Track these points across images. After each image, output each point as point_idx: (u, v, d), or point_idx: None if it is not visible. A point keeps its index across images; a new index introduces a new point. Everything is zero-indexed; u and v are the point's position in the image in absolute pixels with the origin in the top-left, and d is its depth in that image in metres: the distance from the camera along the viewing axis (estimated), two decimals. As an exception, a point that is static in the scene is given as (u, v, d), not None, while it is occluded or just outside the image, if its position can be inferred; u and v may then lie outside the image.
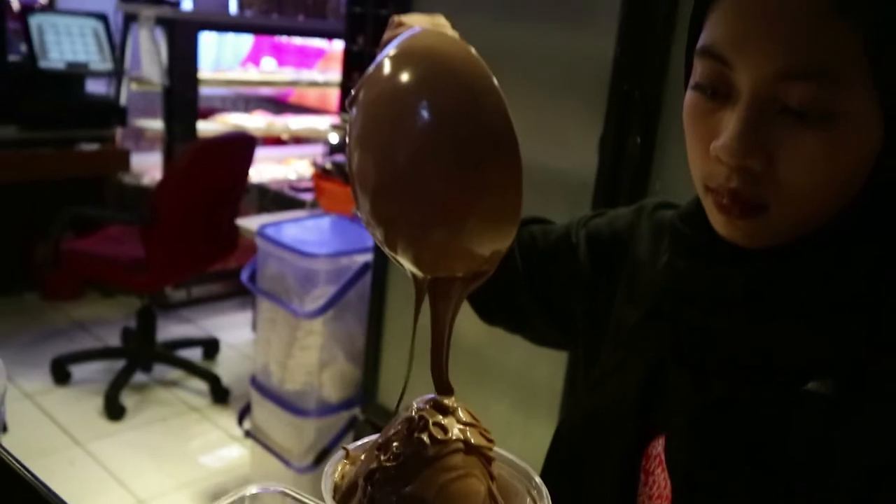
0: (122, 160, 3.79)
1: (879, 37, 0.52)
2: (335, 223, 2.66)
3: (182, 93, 3.72)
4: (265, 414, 2.54)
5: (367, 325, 2.32)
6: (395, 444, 0.50)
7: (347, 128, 0.52)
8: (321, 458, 2.40)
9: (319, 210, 2.97)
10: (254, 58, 5.33)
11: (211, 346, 3.56)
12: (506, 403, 2.01)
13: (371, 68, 0.51)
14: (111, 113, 3.76)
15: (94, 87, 3.84)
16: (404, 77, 0.49)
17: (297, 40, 5.17)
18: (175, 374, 3.36)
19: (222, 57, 5.28)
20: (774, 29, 0.54)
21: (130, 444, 2.87)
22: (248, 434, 2.71)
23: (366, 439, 0.54)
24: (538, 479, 0.54)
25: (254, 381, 2.57)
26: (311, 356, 2.37)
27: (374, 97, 0.50)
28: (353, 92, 0.51)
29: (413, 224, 0.50)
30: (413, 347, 0.55)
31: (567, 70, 1.81)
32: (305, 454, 2.40)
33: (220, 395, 3.19)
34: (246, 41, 5.41)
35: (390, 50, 0.50)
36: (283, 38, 5.22)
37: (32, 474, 0.45)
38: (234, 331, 3.83)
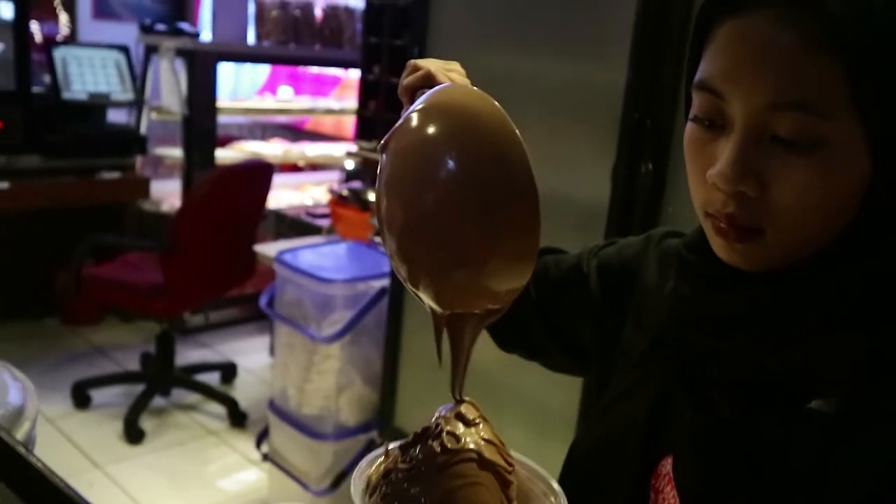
0: (142, 188, 3.86)
1: (859, 71, 0.55)
2: (352, 249, 2.71)
3: (201, 122, 3.80)
4: (283, 438, 2.56)
5: (383, 349, 2.35)
6: (413, 448, 0.54)
7: (378, 172, 0.56)
8: (338, 481, 2.42)
9: (336, 236, 3.02)
10: (271, 86, 5.42)
11: (228, 371, 3.60)
12: (521, 429, 2.03)
13: (403, 118, 0.55)
14: (132, 142, 3.84)
15: (116, 116, 3.93)
16: (435, 127, 0.54)
17: (314, 69, 5.25)
18: (193, 398, 3.40)
19: (240, 86, 5.37)
20: (764, 63, 0.57)
21: (149, 467, 2.90)
22: (265, 457, 2.74)
23: (402, 441, 0.58)
24: (558, 487, 0.57)
25: (272, 405, 2.60)
26: (328, 380, 2.41)
27: (405, 145, 0.54)
28: (384, 139, 0.56)
29: (436, 264, 0.54)
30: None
31: (580, 99, 1.85)
32: (323, 477, 2.42)
33: (237, 418, 3.22)
34: (263, 70, 5.51)
35: (422, 102, 0.55)
36: (300, 68, 5.31)
37: (73, 489, 0.48)
38: (251, 355, 3.87)
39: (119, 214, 4.06)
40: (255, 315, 4.07)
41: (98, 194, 3.76)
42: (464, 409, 0.56)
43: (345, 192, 3.03)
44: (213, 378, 3.54)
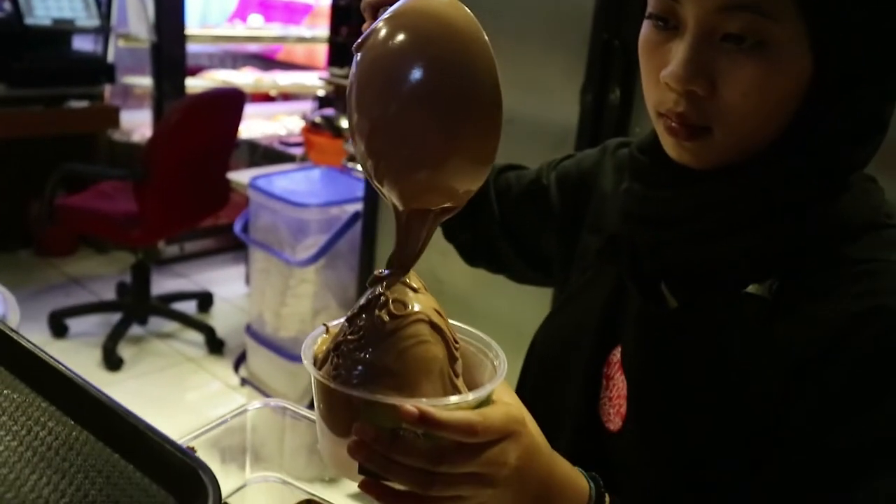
0: (112, 117, 3.81)
1: None
2: (325, 175, 2.72)
3: (170, 49, 3.73)
4: (260, 361, 2.62)
5: (358, 272, 2.39)
6: (359, 318, 0.57)
7: (350, 72, 0.58)
8: (315, 402, 2.49)
9: (309, 164, 3.02)
10: (241, 14, 5.31)
11: (205, 300, 3.63)
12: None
13: (378, 20, 0.57)
14: (99, 70, 3.76)
15: (82, 43, 3.84)
16: (408, 30, 0.56)
17: (285, -4, 5.15)
18: (170, 326, 3.43)
19: (209, 13, 5.25)
20: None
21: (130, 393, 2.95)
22: (244, 382, 2.80)
23: (342, 319, 0.62)
24: (496, 345, 0.62)
25: (249, 330, 2.64)
26: (304, 304, 2.45)
27: (378, 45, 0.56)
28: (359, 40, 0.58)
29: (400, 162, 0.57)
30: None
31: (549, 21, 1.85)
32: (300, 398, 2.49)
33: (215, 345, 3.26)
34: (233, -3, 5.38)
35: (395, 7, 0.57)
36: (270, -6, 5.20)
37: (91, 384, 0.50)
38: (227, 285, 3.90)
39: (90, 144, 4.01)
40: (230, 245, 4.08)
41: (67, 124, 3.70)
42: (409, 278, 0.60)
43: (318, 119, 3.02)
44: (189, 307, 3.57)
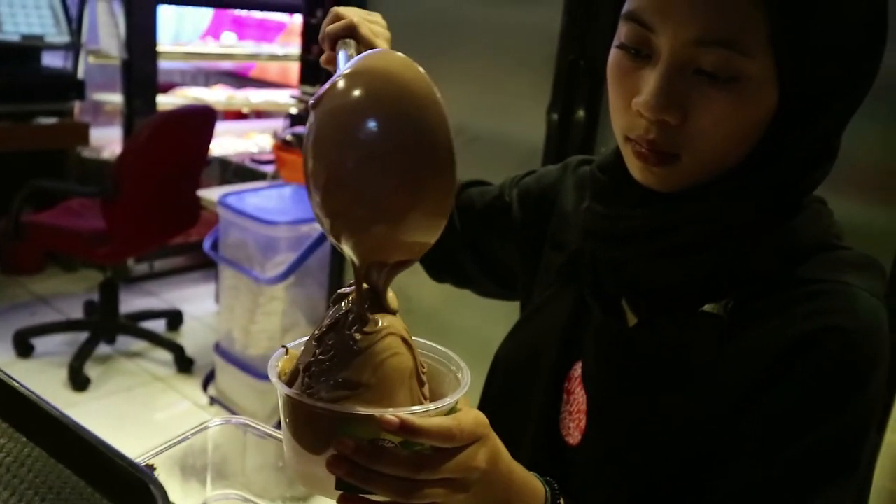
0: (82, 134, 3.77)
1: (778, 15, 0.61)
2: (296, 192, 2.72)
3: (141, 66, 3.71)
4: (229, 380, 2.60)
5: (327, 289, 2.39)
6: (328, 337, 0.58)
7: (307, 128, 0.59)
8: (285, 420, 2.47)
9: (280, 181, 3.02)
10: (214, 31, 5.30)
11: (174, 318, 3.60)
12: (463, 361, 2.10)
13: (334, 78, 0.59)
14: (69, 86, 3.73)
15: (51, 60, 3.81)
16: (364, 90, 0.57)
17: (258, 14, 5.15)
18: (139, 345, 3.39)
19: (182, 30, 5.24)
20: (694, 1, 0.62)
21: (96, 413, 2.91)
22: (213, 400, 2.78)
23: (303, 339, 0.62)
24: (457, 357, 0.63)
25: (217, 348, 2.63)
26: (273, 322, 2.44)
27: (335, 104, 0.58)
28: (315, 96, 0.59)
29: (356, 219, 0.58)
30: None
31: (516, 42, 1.88)
32: (269, 417, 2.47)
33: (184, 364, 3.23)
34: (206, 15, 5.38)
35: (354, 65, 0.59)
36: (244, 12, 5.20)
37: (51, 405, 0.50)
38: (197, 303, 3.87)
39: (59, 161, 3.97)
40: (200, 263, 4.05)
41: (36, 140, 3.66)
42: (383, 297, 0.61)
43: (289, 137, 3.02)
44: (159, 325, 3.54)
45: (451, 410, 0.58)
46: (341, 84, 0.58)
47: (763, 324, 0.66)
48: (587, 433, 0.75)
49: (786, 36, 0.61)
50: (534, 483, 0.66)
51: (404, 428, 0.54)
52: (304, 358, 0.60)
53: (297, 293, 2.46)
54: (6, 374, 0.50)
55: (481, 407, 0.90)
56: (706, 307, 0.69)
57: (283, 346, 0.64)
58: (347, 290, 0.62)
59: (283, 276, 2.34)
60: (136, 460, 0.78)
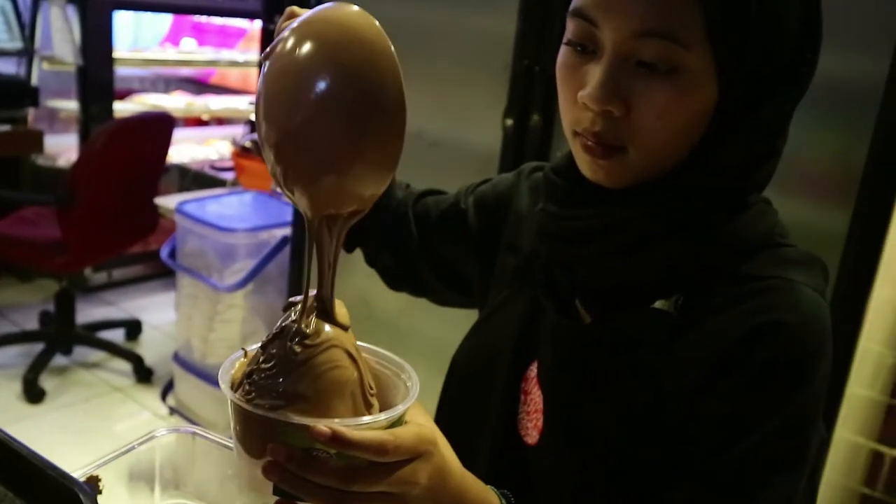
0: (36, 141, 3.70)
1: (713, 10, 0.62)
2: (255, 199, 2.70)
3: (97, 73, 3.65)
4: (188, 389, 2.57)
5: (286, 297, 2.37)
6: (272, 346, 0.58)
7: (259, 81, 0.59)
8: (245, 429, 2.44)
9: (240, 188, 2.99)
10: (173, 38, 5.25)
11: (133, 328, 3.54)
12: (423, 369, 2.09)
13: (287, 29, 0.58)
14: (22, 93, 3.65)
15: (4, 66, 3.74)
16: (315, 38, 0.57)
17: (218, 20, 5.11)
18: (97, 356, 3.33)
19: (140, 37, 5.18)
20: None
21: (52, 425, 2.85)
22: (172, 410, 2.74)
23: (260, 341, 0.62)
24: (409, 367, 0.64)
25: (176, 357, 2.60)
26: (232, 329, 2.42)
27: (286, 53, 0.57)
28: (267, 49, 0.59)
29: (308, 167, 0.58)
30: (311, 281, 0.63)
31: (472, 47, 1.89)
32: (229, 426, 2.44)
33: (143, 374, 3.18)
34: (165, 21, 5.32)
35: (306, 16, 0.59)
36: (204, 18, 5.16)
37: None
38: (156, 312, 3.81)
39: (13, 169, 3.89)
40: (160, 272, 4.00)
41: (-12, 148, 3.59)
42: (325, 302, 0.61)
43: (248, 144, 3.00)
44: (117, 335, 3.48)
45: (397, 422, 0.58)
46: (290, 35, 0.58)
47: (711, 320, 0.68)
48: (544, 432, 0.76)
49: (722, 29, 0.63)
50: (489, 499, 0.66)
51: (336, 439, 0.54)
52: (251, 364, 0.60)
53: (256, 300, 2.44)
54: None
55: (439, 411, 0.90)
56: (657, 304, 0.70)
57: (243, 349, 0.64)
58: (298, 298, 0.61)
59: (242, 284, 2.32)
60: (82, 471, 0.77)
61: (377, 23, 0.58)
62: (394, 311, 2.04)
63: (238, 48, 4.97)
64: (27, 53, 3.65)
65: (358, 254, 1.01)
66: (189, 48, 4.84)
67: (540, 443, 0.76)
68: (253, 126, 3.55)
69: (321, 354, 0.57)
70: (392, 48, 0.58)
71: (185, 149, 4.09)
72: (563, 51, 0.70)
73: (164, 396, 2.87)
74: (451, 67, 1.92)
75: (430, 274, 0.99)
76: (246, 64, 4.61)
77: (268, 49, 0.59)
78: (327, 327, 0.59)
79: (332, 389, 0.57)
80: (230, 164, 3.56)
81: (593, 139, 0.68)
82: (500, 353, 0.82)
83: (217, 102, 4.52)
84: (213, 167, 3.84)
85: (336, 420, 0.55)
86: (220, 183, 3.55)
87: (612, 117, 0.66)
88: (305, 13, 0.60)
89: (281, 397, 0.56)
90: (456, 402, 0.88)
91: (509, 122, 1.78)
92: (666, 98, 0.64)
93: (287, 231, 2.36)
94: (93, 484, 0.76)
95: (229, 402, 0.59)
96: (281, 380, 0.57)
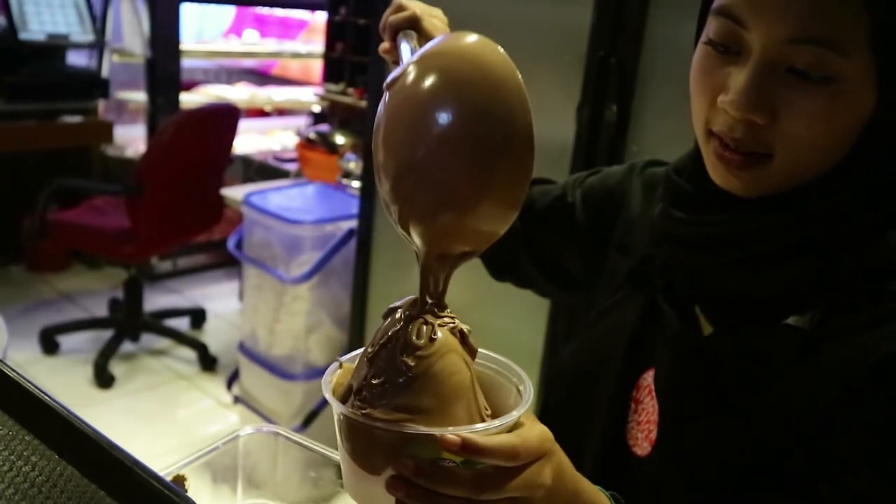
0: (106, 132, 3.79)
1: (879, 13, 0.57)
2: (319, 191, 2.70)
3: (165, 65, 3.72)
4: (253, 379, 2.59)
5: (352, 290, 2.37)
6: (380, 361, 0.55)
7: (379, 111, 0.57)
8: (309, 420, 2.46)
9: (304, 179, 3.00)
10: (236, 29, 5.31)
11: (198, 316, 3.60)
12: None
13: (413, 57, 0.56)
14: (93, 85, 3.75)
15: (76, 59, 3.83)
16: (440, 71, 0.54)
17: (280, 11, 5.15)
18: (163, 343, 3.40)
19: (205, 28, 5.25)
20: None
21: (121, 411, 2.92)
22: (237, 399, 2.77)
23: (357, 351, 0.60)
24: (519, 369, 0.61)
25: (241, 347, 2.62)
26: (297, 321, 2.43)
27: (409, 85, 0.55)
28: (390, 77, 0.57)
29: (427, 205, 0.56)
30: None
31: (545, 38, 1.85)
32: (294, 417, 2.46)
33: (208, 363, 3.24)
34: (228, 12, 5.39)
35: (433, 46, 0.56)
36: (266, 10, 5.21)
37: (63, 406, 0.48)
38: (220, 301, 3.87)
39: (83, 160, 3.99)
40: (224, 261, 4.06)
41: (60, 138, 3.68)
42: (424, 308, 0.58)
43: (312, 136, 3.01)
44: (182, 324, 3.55)
45: (514, 426, 0.56)
46: (415, 66, 0.56)
47: (851, 340, 0.62)
48: (658, 444, 0.72)
49: (887, 34, 0.58)
50: (600, 499, 0.63)
51: (466, 447, 0.51)
52: (357, 377, 0.57)
53: (321, 293, 2.44)
54: (39, 388, 0.48)
55: (541, 415, 0.88)
56: (790, 319, 0.66)
57: (338, 360, 0.61)
58: (399, 303, 0.59)
59: (308, 276, 2.33)
60: (167, 470, 0.77)
61: (506, 54, 0.55)
62: (463, 306, 2.01)
63: (300, 39, 5.00)
64: (98, 46, 3.73)
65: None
66: (252, 40, 4.89)
67: (651, 455, 0.73)
68: (316, 118, 3.57)
69: (437, 363, 0.55)
70: (522, 84, 0.55)
71: (248, 140, 4.14)
72: (702, 50, 0.66)
73: (229, 385, 2.91)
74: (524, 58, 1.88)
75: (533, 267, 0.96)
76: (308, 55, 4.63)
77: (390, 79, 0.56)
78: (439, 332, 0.56)
79: (452, 398, 0.55)
80: (293, 155, 3.58)
81: (732, 146, 0.63)
82: (610, 358, 0.78)
83: (279, 94, 4.55)
84: (277, 158, 3.87)
85: (463, 427, 0.53)
86: (284, 174, 3.58)
87: (755, 125, 0.62)
88: (440, 38, 0.58)
89: (402, 410, 0.54)
90: (560, 407, 0.85)
91: (584, 114, 1.74)
92: (818, 108, 0.60)
93: (353, 223, 2.36)
94: (179, 484, 0.76)
95: (339, 417, 0.56)
96: (399, 395, 0.54)
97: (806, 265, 0.65)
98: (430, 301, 0.59)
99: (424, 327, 0.56)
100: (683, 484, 0.69)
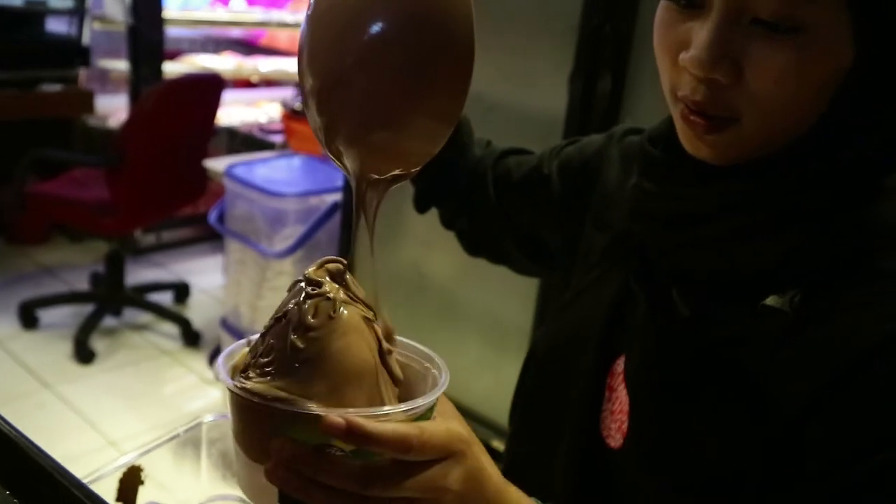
0: (87, 102, 3.69)
1: None
2: (305, 163, 2.64)
3: (147, 32, 3.62)
4: (236, 356, 2.54)
5: (337, 265, 2.32)
6: (270, 339, 0.50)
7: (301, 26, 0.51)
8: (293, 398, 2.41)
9: (289, 151, 2.93)
10: (222, -2, 5.19)
11: (181, 291, 3.54)
12: (477, 341, 2.03)
13: None
14: (74, 53, 3.65)
15: (55, 25, 3.72)
16: None
17: (267, -20, 5.04)
18: (145, 318, 3.34)
19: (189, -4, 5.13)
20: None
21: (102, 386, 2.86)
22: (219, 376, 2.72)
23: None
24: (438, 359, 0.55)
25: (224, 323, 2.57)
26: (280, 297, 2.37)
27: None
28: None
29: (356, 122, 0.50)
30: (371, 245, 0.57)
31: (538, 7, 1.78)
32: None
33: (191, 338, 3.18)
34: (214, -20, 5.26)
35: None
36: (253, -22, 5.09)
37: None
38: (205, 275, 3.81)
39: (64, 130, 3.90)
40: (209, 235, 3.99)
41: (40, 108, 3.59)
42: (321, 279, 0.53)
43: (298, 106, 2.93)
44: (165, 298, 3.48)
45: (424, 417, 0.50)
46: None
47: (834, 321, 0.57)
48: (629, 437, 0.67)
49: None
50: None
51: (351, 431, 0.45)
52: (252, 353, 0.52)
53: (305, 267, 2.38)
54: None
55: (516, 396, 0.82)
56: (768, 300, 0.60)
57: (247, 339, 0.56)
58: (303, 276, 0.53)
59: (292, 250, 2.27)
60: (125, 460, 0.71)
61: None
62: (447, 281, 1.96)
63: (288, 9, 4.89)
64: (78, 12, 3.62)
65: (409, 222, 0.94)
66: (239, 8, 4.78)
67: (624, 447, 0.67)
68: (303, 88, 3.48)
69: (335, 342, 0.48)
70: None
71: (234, 111, 4.05)
72: (663, 6, 0.60)
73: (211, 362, 2.86)
74: (514, 27, 1.81)
75: (510, 241, 0.91)
76: (296, 25, 4.53)
77: None
78: (343, 309, 0.50)
79: (348, 381, 0.48)
80: (279, 126, 3.51)
81: (695, 109, 0.58)
82: (584, 342, 0.73)
83: (266, 64, 4.46)
84: (262, 130, 3.79)
85: (351, 410, 0.47)
86: (269, 146, 3.50)
87: (719, 85, 0.56)
88: None
89: (287, 390, 0.48)
90: (535, 390, 0.80)
91: (577, 85, 1.68)
92: (786, 62, 0.54)
93: (338, 196, 2.30)
94: (135, 475, 0.70)
95: (228, 394, 0.51)
96: (283, 374, 0.48)
97: (786, 240, 0.59)
98: (342, 267, 0.54)
99: (323, 303, 0.50)
100: (655, 480, 0.64)
